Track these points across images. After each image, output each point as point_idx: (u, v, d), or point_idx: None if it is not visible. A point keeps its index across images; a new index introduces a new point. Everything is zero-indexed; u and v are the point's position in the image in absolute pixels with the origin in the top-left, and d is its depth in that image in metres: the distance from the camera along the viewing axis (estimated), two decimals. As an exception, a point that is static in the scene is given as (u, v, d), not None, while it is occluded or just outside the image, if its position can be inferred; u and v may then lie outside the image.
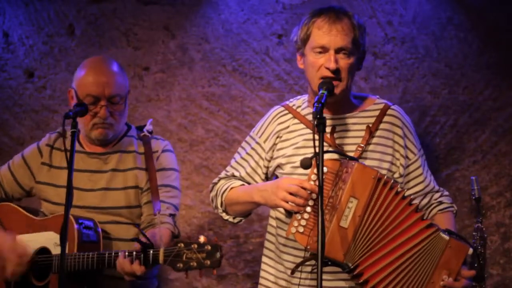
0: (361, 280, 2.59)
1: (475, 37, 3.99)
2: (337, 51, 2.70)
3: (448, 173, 3.96)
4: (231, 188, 2.87)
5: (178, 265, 2.61)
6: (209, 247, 2.59)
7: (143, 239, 2.72)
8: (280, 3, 4.15)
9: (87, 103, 2.91)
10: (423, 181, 2.83)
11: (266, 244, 2.93)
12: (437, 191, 2.86)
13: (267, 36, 4.14)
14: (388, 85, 4.03)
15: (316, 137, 2.46)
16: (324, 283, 2.39)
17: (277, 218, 2.87)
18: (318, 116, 2.47)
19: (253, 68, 4.16)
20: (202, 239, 2.61)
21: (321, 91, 2.62)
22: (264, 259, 2.93)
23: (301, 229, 2.60)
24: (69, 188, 2.64)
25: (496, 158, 3.96)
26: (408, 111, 4.01)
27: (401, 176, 2.79)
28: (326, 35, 2.70)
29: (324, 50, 2.71)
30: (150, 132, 3.12)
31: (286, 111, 2.91)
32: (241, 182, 2.90)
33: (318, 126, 2.46)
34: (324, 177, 2.58)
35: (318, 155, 2.42)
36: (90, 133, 3.01)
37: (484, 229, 3.43)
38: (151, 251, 2.69)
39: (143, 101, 4.26)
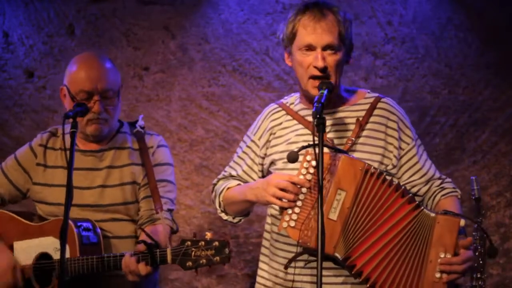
0: (354, 271, 2.60)
1: (475, 37, 3.99)
2: (324, 48, 2.71)
3: (448, 173, 3.96)
4: (227, 188, 2.88)
5: (187, 263, 2.58)
6: (217, 244, 2.56)
7: (146, 238, 2.69)
8: (280, 3, 4.15)
9: (80, 99, 2.89)
10: (420, 169, 2.81)
11: (263, 242, 2.94)
12: (438, 178, 2.83)
13: (267, 36, 4.15)
14: (388, 85, 4.03)
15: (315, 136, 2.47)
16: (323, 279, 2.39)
17: (271, 215, 2.87)
18: (318, 116, 2.47)
19: (253, 68, 4.17)
20: (208, 235, 2.59)
21: (321, 91, 2.63)
22: (260, 257, 2.93)
23: (292, 223, 2.60)
24: (69, 188, 2.63)
25: (496, 158, 3.96)
26: (408, 111, 4.01)
27: (394, 167, 2.77)
28: (311, 34, 2.70)
29: (311, 48, 2.72)
30: (143, 128, 3.09)
31: (280, 108, 2.92)
32: (237, 182, 2.91)
33: (318, 126, 2.46)
34: (313, 171, 2.59)
35: (307, 149, 2.49)
36: (85, 129, 2.99)
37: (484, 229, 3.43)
38: (158, 251, 2.66)
39: (143, 101, 4.26)
